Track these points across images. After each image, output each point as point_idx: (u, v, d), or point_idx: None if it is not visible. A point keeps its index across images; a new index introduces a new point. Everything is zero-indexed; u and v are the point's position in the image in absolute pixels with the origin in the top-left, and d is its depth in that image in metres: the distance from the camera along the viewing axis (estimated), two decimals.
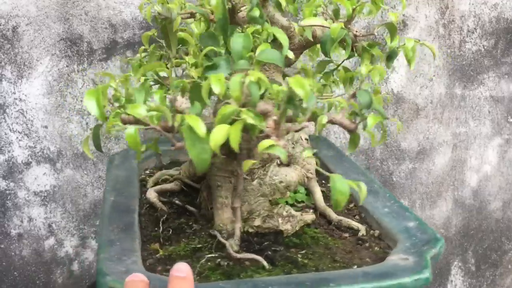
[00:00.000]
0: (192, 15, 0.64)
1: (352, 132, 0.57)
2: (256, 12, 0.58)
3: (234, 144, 0.46)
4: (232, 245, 0.62)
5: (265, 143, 0.48)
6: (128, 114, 0.51)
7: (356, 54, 0.68)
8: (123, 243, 0.60)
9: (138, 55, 0.74)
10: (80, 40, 1.05)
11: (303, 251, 0.64)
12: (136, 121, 0.51)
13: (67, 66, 1.06)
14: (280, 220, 0.68)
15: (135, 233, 0.63)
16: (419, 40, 0.67)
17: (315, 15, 0.67)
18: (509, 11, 1.24)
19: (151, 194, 0.75)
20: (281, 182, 0.71)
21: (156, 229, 0.69)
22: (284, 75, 0.72)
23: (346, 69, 0.67)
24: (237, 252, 0.61)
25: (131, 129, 0.49)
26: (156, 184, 0.79)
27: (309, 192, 0.77)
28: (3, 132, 1.06)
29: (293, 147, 0.78)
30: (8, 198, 1.09)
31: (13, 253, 1.12)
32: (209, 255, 0.62)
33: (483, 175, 1.33)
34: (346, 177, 0.50)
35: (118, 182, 0.79)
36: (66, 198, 1.12)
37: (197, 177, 0.78)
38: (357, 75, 0.61)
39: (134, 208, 0.71)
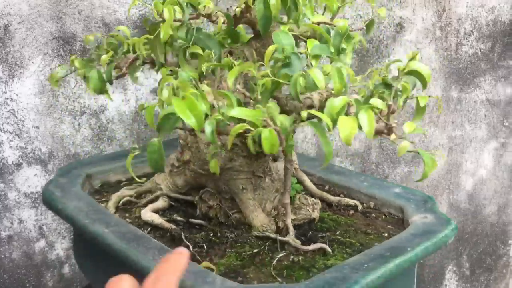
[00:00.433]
0: (197, 17, 0.64)
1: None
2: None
3: (350, 139, 0.50)
4: (295, 240, 0.64)
5: (404, 144, 0.53)
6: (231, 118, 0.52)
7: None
8: None
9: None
10: (73, 39, 1.04)
11: (338, 232, 0.70)
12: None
13: (59, 65, 1.04)
14: (309, 209, 0.71)
15: None
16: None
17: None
18: (506, 14, 1.23)
19: (150, 216, 0.70)
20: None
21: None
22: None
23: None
24: (302, 245, 0.64)
25: (265, 132, 0.50)
26: (117, 208, 0.73)
27: (299, 181, 0.80)
28: None
29: None
30: None
31: (2, 256, 1.10)
32: (280, 255, 0.62)
33: (479, 179, 1.33)
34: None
35: (88, 213, 0.69)
36: None
37: (187, 189, 0.75)
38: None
39: (142, 234, 0.64)
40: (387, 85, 0.59)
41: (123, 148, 1.11)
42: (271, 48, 0.57)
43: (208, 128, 0.51)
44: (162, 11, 0.61)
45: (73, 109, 1.07)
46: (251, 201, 0.69)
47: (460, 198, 1.33)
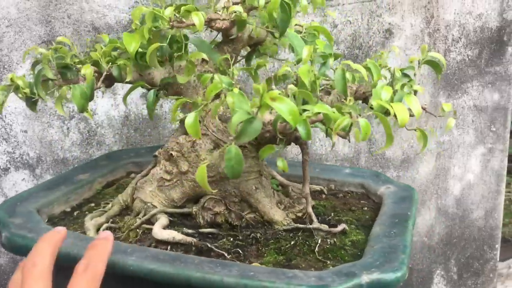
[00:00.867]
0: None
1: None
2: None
3: (405, 122, 0.55)
4: (323, 225, 0.69)
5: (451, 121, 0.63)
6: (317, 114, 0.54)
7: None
8: None
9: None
10: (62, 43, 1.03)
11: (332, 214, 0.76)
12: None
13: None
14: (304, 200, 0.75)
15: None
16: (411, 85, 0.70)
17: None
18: (493, 21, 1.25)
19: (169, 233, 0.65)
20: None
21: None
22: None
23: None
24: (332, 227, 0.69)
25: (363, 122, 0.54)
26: (98, 229, 0.69)
27: (272, 177, 0.84)
28: None
29: None
30: None
31: None
32: (317, 242, 0.66)
33: (466, 183, 1.34)
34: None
35: (75, 242, 0.61)
36: None
37: (184, 201, 0.73)
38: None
39: (176, 254, 0.61)
40: (404, 75, 0.68)
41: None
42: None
43: (304, 127, 0.53)
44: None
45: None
46: (267, 199, 0.72)
47: (448, 203, 1.34)
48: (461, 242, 1.37)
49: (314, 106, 0.54)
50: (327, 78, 0.66)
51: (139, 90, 1.10)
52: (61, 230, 0.53)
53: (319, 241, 0.66)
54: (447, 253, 1.37)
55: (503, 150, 1.33)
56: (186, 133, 0.75)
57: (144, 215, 0.71)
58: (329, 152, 1.22)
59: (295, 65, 0.66)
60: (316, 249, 0.65)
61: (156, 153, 0.75)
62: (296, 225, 0.69)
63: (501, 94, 1.29)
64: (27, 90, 0.65)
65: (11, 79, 0.65)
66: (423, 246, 1.35)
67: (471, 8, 1.23)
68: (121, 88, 1.08)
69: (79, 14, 1.03)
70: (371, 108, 0.58)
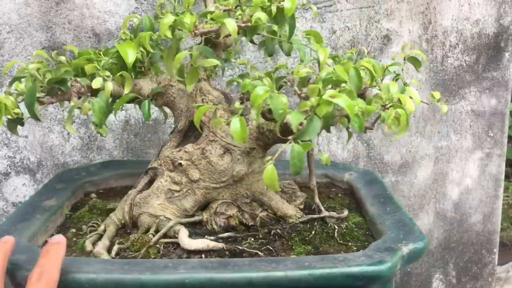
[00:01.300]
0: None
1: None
2: None
3: (413, 110, 0.62)
4: (332, 213, 0.75)
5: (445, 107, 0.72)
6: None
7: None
8: None
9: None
10: (63, 49, 1.04)
11: (326, 204, 0.82)
12: None
13: None
14: (299, 193, 0.81)
15: None
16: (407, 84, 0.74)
17: None
18: (491, 27, 1.26)
19: (202, 242, 0.65)
20: None
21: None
22: None
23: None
24: (340, 213, 0.76)
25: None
26: (109, 251, 0.65)
27: None
28: None
29: None
30: None
31: None
32: (334, 228, 0.73)
33: (464, 188, 1.34)
34: None
35: (121, 270, 0.56)
36: None
37: (195, 210, 0.73)
38: None
39: (225, 260, 0.60)
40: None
41: (112, 158, 1.11)
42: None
43: (357, 120, 0.57)
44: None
45: (62, 118, 1.07)
46: (278, 196, 0.75)
47: (446, 207, 1.34)
48: (460, 246, 1.38)
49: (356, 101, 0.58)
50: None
51: None
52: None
53: (336, 227, 0.72)
54: (446, 257, 1.37)
55: (500, 155, 1.34)
56: (180, 144, 0.75)
57: (157, 229, 0.69)
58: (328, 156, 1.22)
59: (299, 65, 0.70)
60: (335, 234, 0.71)
61: (156, 165, 0.74)
62: (310, 216, 0.74)
63: (498, 99, 1.30)
64: (17, 111, 0.60)
65: None
66: None
67: (469, 14, 1.24)
68: None
69: (79, 20, 1.04)
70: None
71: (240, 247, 0.65)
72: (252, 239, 0.69)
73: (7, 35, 1.01)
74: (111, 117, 1.10)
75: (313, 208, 0.77)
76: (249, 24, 0.62)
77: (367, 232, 0.74)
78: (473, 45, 1.26)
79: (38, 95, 0.61)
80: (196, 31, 0.60)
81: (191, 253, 0.64)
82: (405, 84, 0.71)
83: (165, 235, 0.68)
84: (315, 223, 0.73)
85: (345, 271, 0.55)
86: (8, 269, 0.53)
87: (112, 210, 0.76)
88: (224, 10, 0.69)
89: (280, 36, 0.69)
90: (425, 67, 1.24)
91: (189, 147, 0.72)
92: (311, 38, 0.72)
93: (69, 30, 1.04)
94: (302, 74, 0.61)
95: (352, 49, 1.18)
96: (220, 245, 0.65)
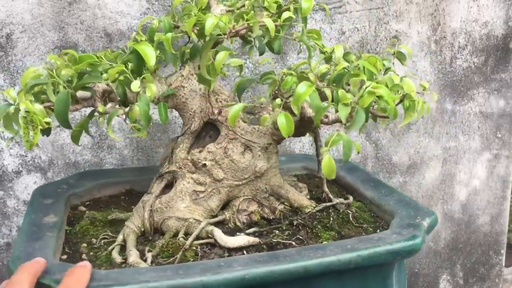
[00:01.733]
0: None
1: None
2: None
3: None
4: (340, 199, 0.80)
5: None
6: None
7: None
8: None
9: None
10: (75, 48, 1.05)
11: (320, 192, 0.85)
12: None
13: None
14: (300, 184, 0.83)
15: None
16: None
17: None
18: (499, 29, 1.26)
19: (243, 238, 0.66)
20: None
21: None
22: None
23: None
24: (346, 199, 0.81)
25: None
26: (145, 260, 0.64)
27: None
28: None
29: None
30: None
31: (0, 263, 1.10)
32: (347, 214, 0.78)
33: (472, 189, 1.35)
34: None
35: (173, 274, 0.56)
36: None
37: (218, 211, 0.74)
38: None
39: (273, 252, 0.63)
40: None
41: (123, 157, 1.12)
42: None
43: (394, 110, 0.62)
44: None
45: (73, 117, 1.08)
46: (293, 188, 0.78)
47: (454, 208, 1.35)
48: (467, 247, 1.38)
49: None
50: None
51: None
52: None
53: (346, 213, 0.77)
54: (453, 258, 1.38)
55: (508, 156, 1.34)
56: (193, 145, 0.76)
57: (186, 232, 0.68)
58: (336, 157, 1.23)
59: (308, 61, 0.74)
60: (350, 219, 0.76)
61: (175, 168, 0.73)
62: (324, 204, 0.78)
63: (506, 100, 1.30)
64: (48, 120, 0.55)
65: (27, 111, 0.53)
66: (429, 251, 1.35)
67: (477, 16, 1.24)
68: None
69: (91, 20, 1.05)
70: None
71: (275, 240, 0.68)
72: (277, 231, 0.70)
73: (20, 35, 1.02)
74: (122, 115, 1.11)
75: (323, 197, 0.81)
76: (277, 23, 0.63)
77: (372, 214, 0.79)
78: (482, 46, 1.26)
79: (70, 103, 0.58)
80: (233, 31, 0.61)
81: (232, 250, 0.65)
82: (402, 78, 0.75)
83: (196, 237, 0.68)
84: (330, 211, 0.77)
85: (388, 248, 0.61)
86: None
87: (116, 220, 0.75)
88: (228, 11, 0.70)
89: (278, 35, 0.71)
90: (433, 69, 1.25)
91: (211, 147, 0.72)
92: (312, 36, 0.74)
93: (81, 30, 1.05)
94: (323, 70, 0.65)
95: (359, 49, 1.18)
96: (257, 240, 0.66)
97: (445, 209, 1.34)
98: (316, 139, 0.82)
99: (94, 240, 0.71)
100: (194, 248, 0.65)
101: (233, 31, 0.60)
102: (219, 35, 0.61)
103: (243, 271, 0.55)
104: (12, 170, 1.07)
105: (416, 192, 1.31)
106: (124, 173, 0.96)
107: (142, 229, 0.71)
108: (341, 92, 0.59)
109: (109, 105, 0.60)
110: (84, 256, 0.67)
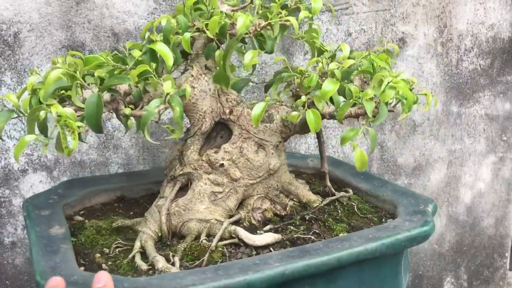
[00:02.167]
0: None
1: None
2: None
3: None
4: (342, 193, 0.82)
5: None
6: None
7: None
8: None
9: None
10: (82, 48, 1.05)
11: (316, 184, 0.90)
12: None
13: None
14: (300, 180, 0.84)
15: None
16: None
17: None
18: (505, 31, 1.26)
19: (272, 235, 0.67)
20: None
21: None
22: None
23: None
24: (347, 192, 0.83)
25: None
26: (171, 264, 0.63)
27: None
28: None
29: None
30: (3, 205, 1.08)
31: (5, 262, 1.10)
32: (351, 206, 0.80)
33: (477, 192, 1.35)
34: None
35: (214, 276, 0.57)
36: None
37: (234, 211, 0.74)
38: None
39: (300, 247, 0.65)
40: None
41: (128, 156, 1.12)
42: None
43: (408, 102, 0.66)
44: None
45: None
46: (301, 184, 0.80)
47: (459, 211, 1.34)
48: (471, 250, 1.38)
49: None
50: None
51: None
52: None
53: (351, 205, 0.80)
54: (458, 260, 1.37)
55: None
56: (203, 146, 0.75)
57: (208, 233, 0.68)
58: (342, 159, 1.23)
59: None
60: (356, 210, 0.79)
61: (190, 170, 0.73)
62: (330, 198, 0.80)
63: None
64: (80, 124, 0.53)
65: (59, 115, 0.50)
66: (434, 253, 1.35)
67: (484, 19, 1.24)
68: None
69: (99, 20, 1.05)
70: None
71: (295, 235, 0.69)
72: (292, 227, 0.71)
73: (28, 34, 1.02)
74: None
75: (322, 190, 0.84)
76: (287, 23, 0.64)
77: (371, 205, 0.82)
78: (488, 49, 1.26)
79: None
80: (258, 29, 0.62)
81: (258, 248, 0.65)
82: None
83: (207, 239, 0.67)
84: (336, 204, 0.80)
85: (408, 235, 0.66)
86: None
87: (122, 228, 0.73)
88: (232, 10, 0.71)
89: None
90: (440, 71, 1.24)
91: (227, 146, 0.72)
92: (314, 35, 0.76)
93: (89, 29, 1.05)
94: (332, 69, 0.67)
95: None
96: (281, 236, 0.68)
97: (450, 211, 1.34)
98: (319, 137, 0.84)
99: (106, 250, 0.69)
100: (220, 249, 0.65)
101: (258, 29, 0.60)
102: (246, 33, 0.62)
103: (281, 267, 0.57)
104: (18, 169, 1.07)
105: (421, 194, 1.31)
106: (112, 180, 0.93)
107: (159, 234, 0.70)
108: (354, 88, 0.63)
109: (139, 108, 0.58)
110: (104, 266, 0.65)
